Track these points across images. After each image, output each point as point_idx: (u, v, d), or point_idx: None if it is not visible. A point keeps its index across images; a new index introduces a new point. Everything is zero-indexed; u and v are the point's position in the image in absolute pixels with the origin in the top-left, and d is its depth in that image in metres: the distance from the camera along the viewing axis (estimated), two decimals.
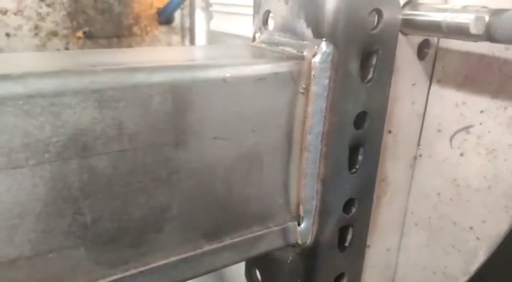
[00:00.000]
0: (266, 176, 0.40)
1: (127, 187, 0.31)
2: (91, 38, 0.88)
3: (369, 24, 0.38)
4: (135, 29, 0.92)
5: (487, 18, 0.35)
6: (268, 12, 0.43)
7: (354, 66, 0.39)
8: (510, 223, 0.43)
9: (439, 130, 0.48)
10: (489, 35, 0.35)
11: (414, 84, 0.47)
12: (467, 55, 0.43)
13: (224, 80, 0.33)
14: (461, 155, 0.46)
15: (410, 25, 0.41)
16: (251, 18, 0.46)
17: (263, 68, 0.35)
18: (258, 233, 0.41)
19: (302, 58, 0.38)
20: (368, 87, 0.41)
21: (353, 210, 0.46)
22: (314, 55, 0.37)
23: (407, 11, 0.41)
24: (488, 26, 0.35)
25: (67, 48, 0.86)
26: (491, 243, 0.46)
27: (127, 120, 0.30)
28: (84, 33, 0.87)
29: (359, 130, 0.42)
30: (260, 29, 0.44)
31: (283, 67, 0.36)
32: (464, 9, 0.37)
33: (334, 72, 0.38)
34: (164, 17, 0.91)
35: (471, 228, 0.47)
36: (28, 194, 0.27)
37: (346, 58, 0.38)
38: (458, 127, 0.46)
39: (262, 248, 0.43)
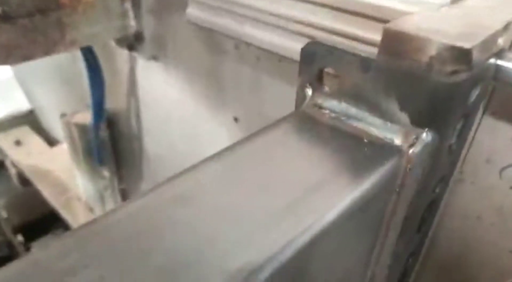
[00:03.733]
0: (354, 272, 0.35)
1: None
2: (9, 20, 0.67)
3: (470, 98, 0.32)
4: None
5: None
6: (323, 68, 0.34)
7: (447, 144, 0.33)
8: None
9: (487, 161, 0.45)
10: None
11: None
12: None
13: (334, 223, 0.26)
14: (511, 188, 0.45)
15: (502, 80, 0.34)
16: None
17: (367, 186, 0.28)
18: None
19: (398, 151, 0.31)
20: (450, 155, 0.35)
21: (410, 261, 0.43)
22: (411, 145, 0.31)
23: (502, 63, 0.34)
24: None
25: None
26: None
27: None
28: None
29: (433, 194, 0.38)
30: (313, 85, 0.35)
31: (385, 176, 0.29)
32: None
33: (430, 159, 0.32)
34: None
35: (511, 251, 0.48)
36: None
37: (443, 141, 0.32)
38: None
39: None
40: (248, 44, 0.62)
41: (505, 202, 0.46)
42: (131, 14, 0.83)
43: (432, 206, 0.40)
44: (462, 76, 0.29)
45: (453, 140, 0.35)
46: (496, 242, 0.48)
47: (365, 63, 0.31)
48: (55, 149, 1.58)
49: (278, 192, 0.27)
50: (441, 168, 0.35)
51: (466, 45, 0.28)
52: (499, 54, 0.34)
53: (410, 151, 0.31)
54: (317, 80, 0.35)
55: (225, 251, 0.22)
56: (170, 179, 0.27)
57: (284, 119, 0.35)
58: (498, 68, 0.34)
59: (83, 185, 1.28)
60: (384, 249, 0.36)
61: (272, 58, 0.62)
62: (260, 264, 0.22)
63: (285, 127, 0.34)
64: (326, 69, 0.35)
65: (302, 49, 0.35)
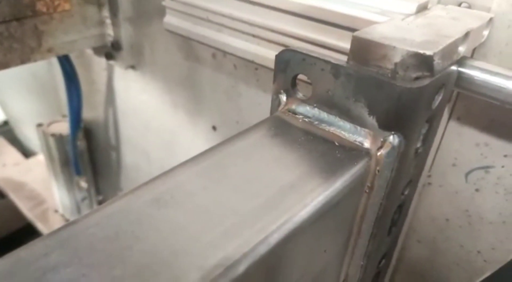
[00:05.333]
0: (325, 277, 0.36)
1: None
2: None
3: (433, 103, 0.34)
4: (39, 6, 0.72)
5: None
6: (297, 74, 0.35)
7: (413, 147, 0.35)
8: None
9: (454, 165, 0.47)
10: None
11: None
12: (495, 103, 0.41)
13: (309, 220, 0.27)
14: (477, 190, 0.47)
15: (463, 86, 0.36)
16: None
17: (337, 188, 0.29)
18: None
19: (367, 154, 0.32)
20: (416, 159, 0.37)
21: (382, 262, 0.45)
22: (379, 148, 0.32)
23: (463, 70, 0.36)
24: None
25: None
26: (498, 265, 0.49)
27: None
28: None
29: (402, 197, 0.39)
30: (287, 91, 0.36)
31: (355, 177, 0.31)
32: None
33: (397, 162, 0.33)
34: None
35: (478, 252, 0.50)
36: None
37: (409, 144, 0.33)
38: (476, 166, 0.45)
39: None
40: (225, 53, 0.63)
41: (471, 204, 0.48)
42: (108, 22, 0.84)
43: (402, 208, 0.41)
44: (425, 81, 0.31)
45: (419, 144, 0.36)
46: (464, 244, 0.50)
47: (335, 69, 0.33)
48: (31, 160, 1.55)
49: (254, 192, 0.28)
50: (408, 171, 0.37)
51: (428, 52, 0.29)
52: (461, 62, 0.36)
53: (379, 153, 0.32)
54: (291, 87, 0.36)
55: (202, 248, 0.23)
56: (150, 181, 0.28)
57: (259, 124, 0.36)
58: (460, 75, 0.36)
59: (60, 197, 1.26)
60: (357, 248, 0.37)
61: (248, 66, 0.63)
62: (236, 259, 0.22)
63: (261, 132, 0.35)
64: (299, 76, 0.36)
65: (276, 56, 0.36)
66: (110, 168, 1.17)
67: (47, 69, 1.19)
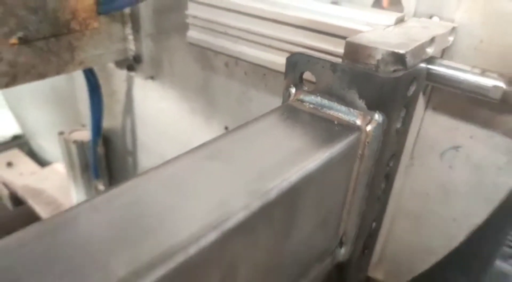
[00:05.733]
0: (329, 224, 0.46)
1: None
2: (27, 42, 0.78)
3: (408, 91, 0.44)
4: (73, 24, 0.83)
5: (504, 86, 0.43)
6: (303, 72, 0.46)
7: (394, 125, 0.45)
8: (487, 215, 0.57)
9: (431, 147, 0.58)
10: (504, 101, 0.43)
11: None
12: (462, 95, 0.51)
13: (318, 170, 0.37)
14: (450, 167, 0.57)
15: (433, 80, 0.47)
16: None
17: (336, 151, 0.40)
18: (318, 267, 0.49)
19: (358, 129, 0.43)
20: (397, 136, 0.48)
21: (374, 225, 0.55)
22: (367, 124, 0.43)
23: (432, 67, 0.47)
24: (504, 94, 0.43)
25: (0, 58, 0.75)
26: (471, 229, 0.59)
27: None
28: (19, 38, 0.76)
29: (387, 168, 0.50)
30: (296, 86, 0.47)
31: (350, 145, 0.41)
32: (483, 73, 0.44)
33: (382, 135, 0.44)
34: (107, 9, 0.82)
35: (454, 219, 0.60)
36: None
37: (390, 122, 0.44)
38: (449, 146, 0.56)
39: (315, 274, 0.50)
40: (237, 61, 0.74)
41: (446, 179, 0.58)
42: (131, 38, 0.95)
43: (388, 179, 0.51)
44: (400, 73, 0.41)
45: (398, 124, 0.47)
46: (442, 214, 0.61)
47: (333, 66, 0.43)
48: (46, 169, 1.65)
49: (275, 153, 0.38)
50: (391, 146, 0.47)
51: (401, 51, 0.40)
52: (430, 60, 0.47)
53: (367, 129, 0.43)
54: (299, 82, 0.47)
55: (245, 181, 0.33)
56: (198, 146, 0.38)
57: (274, 110, 0.46)
58: (429, 70, 0.47)
59: (78, 200, 1.35)
60: (353, 207, 0.47)
61: (257, 73, 0.74)
62: (269, 188, 0.33)
63: (275, 116, 0.45)
64: (305, 74, 0.47)
65: (287, 58, 0.47)
66: (126, 172, 1.27)
67: (66, 82, 1.30)
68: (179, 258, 0.26)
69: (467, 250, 0.62)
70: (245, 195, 0.31)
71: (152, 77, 0.97)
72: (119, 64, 1.00)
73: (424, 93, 0.54)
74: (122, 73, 1.04)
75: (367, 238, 0.54)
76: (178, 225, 0.29)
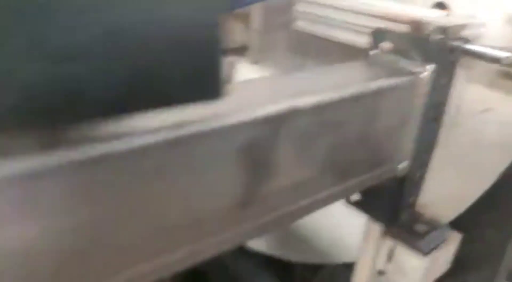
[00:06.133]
0: (394, 139, 0.70)
1: None
2: None
3: (450, 57, 0.68)
4: None
5: None
6: (383, 41, 0.71)
7: (443, 77, 0.69)
8: None
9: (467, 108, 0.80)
10: None
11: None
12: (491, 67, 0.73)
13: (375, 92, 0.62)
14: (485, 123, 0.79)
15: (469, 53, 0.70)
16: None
17: (396, 81, 0.64)
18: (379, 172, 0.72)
19: (416, 74, 0.66)
20: (443, 89, 0.71)
21: (424, 158, 0.77)
22: (422, 73, 0.67)
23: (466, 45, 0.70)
24: None
25: None
26: None
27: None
28: None
29: (435, 111, 0.73)
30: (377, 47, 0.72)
31: (406, 80, 0.65)
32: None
33: (433, 82, 0.67)
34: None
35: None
36: None
37: (439, 73, 0.67)
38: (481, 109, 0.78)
39: (375, 182, 0.73)
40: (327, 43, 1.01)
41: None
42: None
43: (436, 123, 0.74)
44: (444, 41, 0.65)
45: (444, 79, 0.70)
46: (480, 161, 0.82)
47: (404, 36, 0.68)
48: None
49: (336, 79, 0.63)
50: (436, 95, 0.70)
51: (446, 25, 0.64)
52: (466, 40, 0.70)
53: (421, 75, 0.66)
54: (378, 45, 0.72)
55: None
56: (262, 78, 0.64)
57: (355, 61, 0.71)
58: (464, 46, 0.71)
59: None
60: (409, 132, 0.71)
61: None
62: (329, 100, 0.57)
63: (354, 63, 0.70)
64: (383, 43, 0.71)
65: (372, 32, 0.72)
66: None
67: None
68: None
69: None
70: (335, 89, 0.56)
71: (256, 62, 1.25)
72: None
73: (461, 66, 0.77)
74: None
75: (424, 155, 0.76)
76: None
